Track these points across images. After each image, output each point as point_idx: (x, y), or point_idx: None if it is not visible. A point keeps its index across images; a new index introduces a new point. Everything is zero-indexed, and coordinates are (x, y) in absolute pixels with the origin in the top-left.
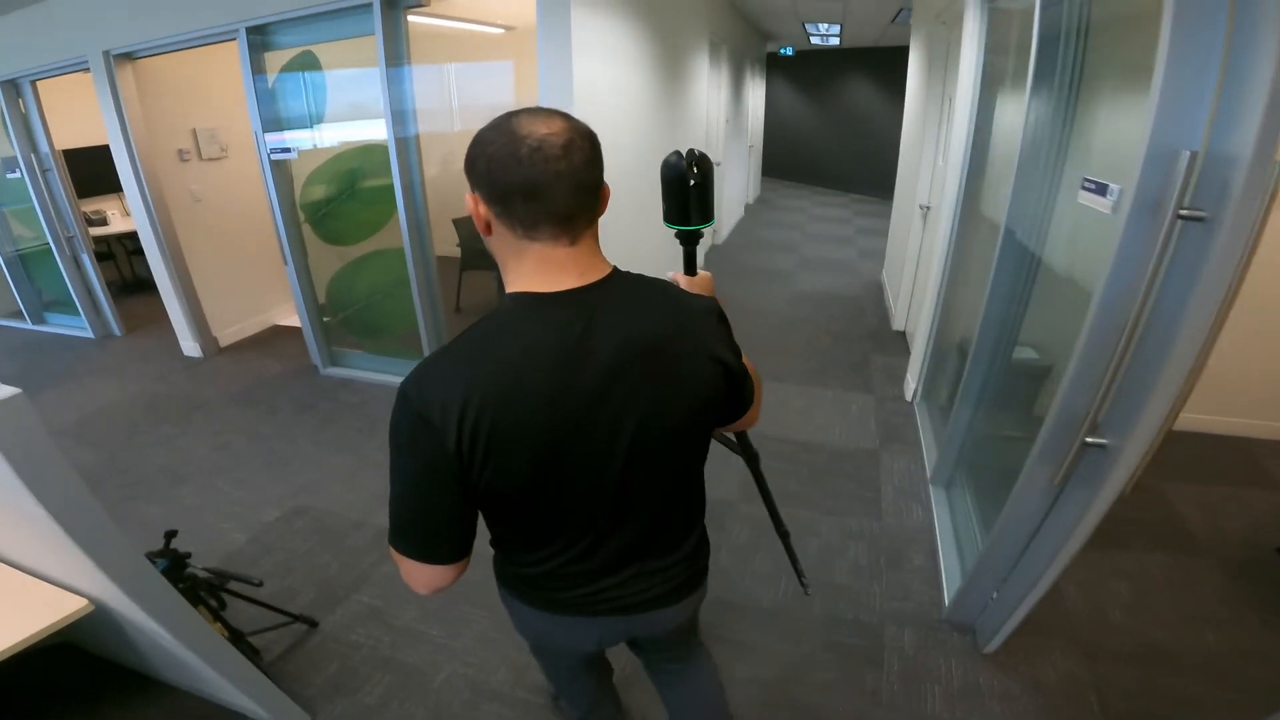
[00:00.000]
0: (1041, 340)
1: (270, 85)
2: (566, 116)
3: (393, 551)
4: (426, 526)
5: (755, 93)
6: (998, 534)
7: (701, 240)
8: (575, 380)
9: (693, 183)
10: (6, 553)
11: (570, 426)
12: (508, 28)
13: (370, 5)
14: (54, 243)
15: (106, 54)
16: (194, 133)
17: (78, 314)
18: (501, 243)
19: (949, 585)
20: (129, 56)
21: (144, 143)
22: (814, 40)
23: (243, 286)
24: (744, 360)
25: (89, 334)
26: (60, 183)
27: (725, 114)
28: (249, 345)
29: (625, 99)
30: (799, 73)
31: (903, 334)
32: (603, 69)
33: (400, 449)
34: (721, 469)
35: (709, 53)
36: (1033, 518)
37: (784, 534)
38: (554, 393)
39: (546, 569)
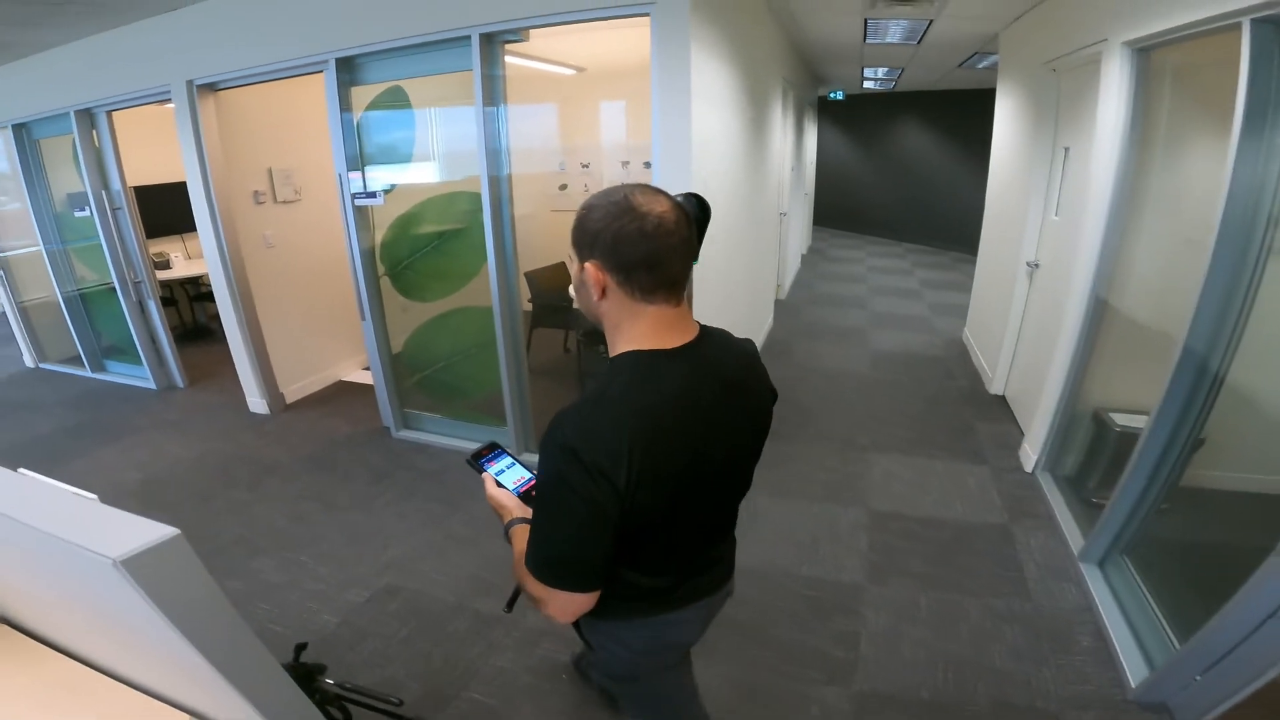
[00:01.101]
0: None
1: (355, 123)
2: (668, 194)
3: (540, 587)
4: (587, 561)
5: (809, 138)
6: (1221, 619)
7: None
8: (698, 418)
9: (698, 226)
10: (136, 677)
11: (697, 455)
12: (579, 69)
13: (468, 38)
14: (120, 286)
15: (190, 83)
16: (270, 173)
17: (140, 363)
18: (618, 306)
19: (1129, 666)
20: (212, 87)
21: (221, 182)
22: (866, 84)
23: (310, 340)
24: None
25: (151, 385)
26: (130, 222)
27: (790, 161)
28: (315, 403)
29: (725, 145)
30: (849, 117)
31: (1003, 398)
32: (711, 115)
33: (573, 499)
34: (842, 552)
35: (781, 98)
36: (1268, 604)
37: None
38: (687, 431)
39: (663, 576)
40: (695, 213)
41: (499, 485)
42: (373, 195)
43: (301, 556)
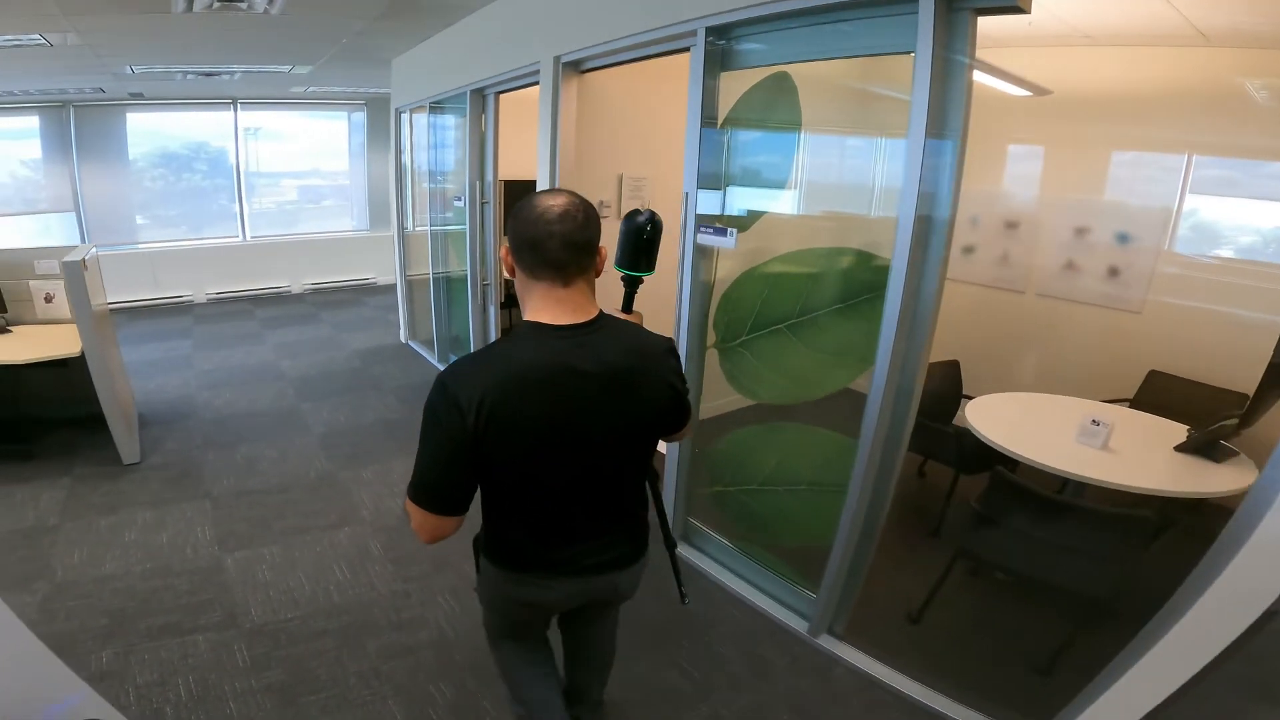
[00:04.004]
0: None
1: (718, 125)
2: (572, 193)
3: (410, 505)
4: (444, 486)
5: None
6: None
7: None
8: (566, 390)
9: (648, 238)
10: None
11: (560, 423)
12: (1041, 91)
13: None
14: (470, 285)
15: (556, 60)
16: (620, 181)
17: None
18: (520, 282)
19: None
20: (576, 67)
21: (568, 182)
22: None
23: None
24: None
25: None
26: (493, 219)
27: None
28: None
29: None
30: None
31: None
32: None
33: (435, 425)
34: None
35: None
36: None
37: (671, 545)
38: (551, 397)
39: (535, 537)
40: (646, 226)
41: None
42: (721, 233)
43: (484, 702)
